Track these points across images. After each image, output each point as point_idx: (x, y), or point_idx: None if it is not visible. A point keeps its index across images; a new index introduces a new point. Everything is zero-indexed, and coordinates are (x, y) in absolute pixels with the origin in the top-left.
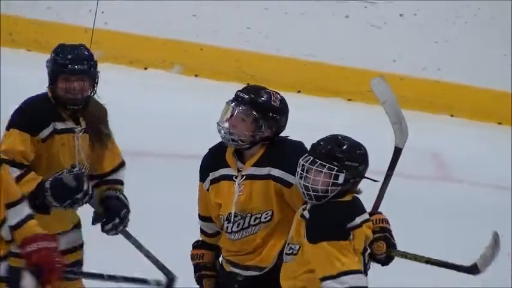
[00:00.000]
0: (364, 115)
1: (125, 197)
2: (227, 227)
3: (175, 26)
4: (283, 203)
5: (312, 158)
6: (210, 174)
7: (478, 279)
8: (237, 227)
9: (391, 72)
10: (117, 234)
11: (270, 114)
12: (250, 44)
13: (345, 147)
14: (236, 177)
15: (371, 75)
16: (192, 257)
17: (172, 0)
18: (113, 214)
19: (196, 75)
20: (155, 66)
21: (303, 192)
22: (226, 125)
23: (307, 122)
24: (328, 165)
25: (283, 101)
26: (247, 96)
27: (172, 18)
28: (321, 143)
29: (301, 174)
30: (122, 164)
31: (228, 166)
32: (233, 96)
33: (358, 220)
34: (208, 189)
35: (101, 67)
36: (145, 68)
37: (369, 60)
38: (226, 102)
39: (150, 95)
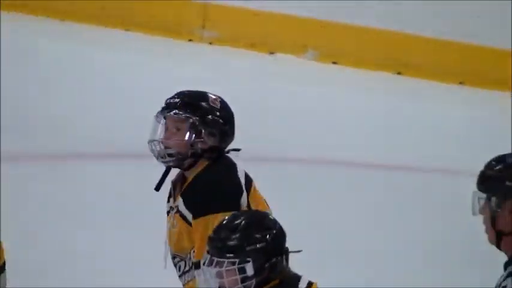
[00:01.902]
0: None
1: None
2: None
3: (306, 2)
4: None
5: (208, 257)
6: (166, 205)
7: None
8: (179, 270)
9: None
10: None
11: (210, 116)
12: (401, 23)
13: (239, 232)
14: (171, 208)
15: None
16: None
17: None
18: None
19: (334, 63)
20: (284, 50)
21: None
22: (159, 138)
23: (478, 122)
24: (225, 260)
25: (224, 102)
26: (178, 99)
27: None
28: (215, 233)
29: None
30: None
31: (171, 196)
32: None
33: None
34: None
35: (216, 51)
36: (271, 53)
37: None
38: (155, 116)
39: (277, 86)
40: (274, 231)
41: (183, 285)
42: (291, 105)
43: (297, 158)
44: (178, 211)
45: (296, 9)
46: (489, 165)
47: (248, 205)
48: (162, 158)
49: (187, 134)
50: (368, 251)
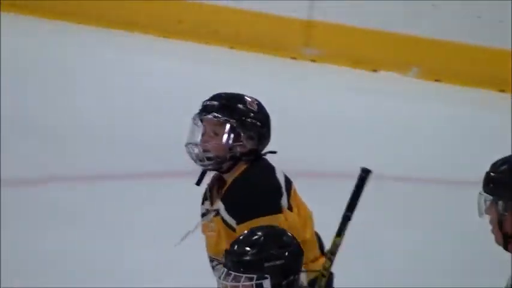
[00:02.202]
0: None
1: None
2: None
3: (410, 19)
4: None
5: (225, 271)
6: (201, 207)
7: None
8: (217, 273)
9: None
10: None
11: (249, 120)
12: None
13: (258, 247)
14: (209, 212)
15: None
16: None
17: None
18: None
19: (437, 80)
20: (387, 68)
21: None
22: (197, 141)
23: None
24: (243, 275)
25: (261, 105)
26: (216, 102)
27: (409, 9)
28: (233, 248)
29: None
30: None
31: (207, 199)
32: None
33: None
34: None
35: (319, 68)
36: (374, 70)
37: None
38: (192, 118)
39: (381, 104)
40: (293, 249)
41: None
42: (394, 122)
43: (407, 176)
44: (218, 215)
45: (399, 27)
46: (495, 167)
47: (289, 207)
48: (200, 161)
49: (226, 137)
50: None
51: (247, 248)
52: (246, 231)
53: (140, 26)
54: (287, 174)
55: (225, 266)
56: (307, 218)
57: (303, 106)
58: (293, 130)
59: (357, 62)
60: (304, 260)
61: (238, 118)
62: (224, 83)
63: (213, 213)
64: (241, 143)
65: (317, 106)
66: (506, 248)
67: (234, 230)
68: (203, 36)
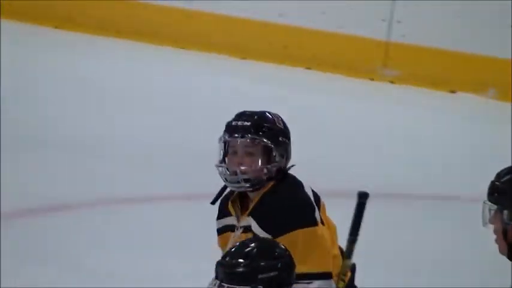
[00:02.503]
0: None
1: None
2: None
3: (487, 40)
4: None
5: (217, 283)
6: (217, 222)
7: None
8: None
9: None
10: None
11: (280, 138)
12: None
13: (251, 258)
14: (236, 228)
15: None
16: None
17: None
18: None
19: None
20: (465, 89)
21: None
22: (234, 163)
23: None
24: (236, 287)
25: (283, 120)
26: (248, 123)
27: (486, 30)
28: (225, 259)
29: None
30: None
31: (230, 214)
32: (227, 128)
33: None
34: (218, 235)
35: (396, 89)
36: (452, 91)
37: None
38: (223, 138)
39: (459, 125)
40: (285, 260)
41: None
42: (471, 143)
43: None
44: (248, 231)
45: (477, 48)
46: (500, 177)
47: (321, 221)
48: (236, 183)
49: (266, 159)
50: None
51: (240, 260)
52: (237, 243)
53: (209, 44)
54: (315, 190)
55: (216, 277)
56: (334, 233)
57: (381, 127)
58: (370, 149)
59: (434, 83)
60: (333, 274)
61: (273, 138)
62: (301, 103)
63: (241, 230)
64: (276, 162)
65: (395, 127)
66: (510, 258)
67: None
68: (280, 57)
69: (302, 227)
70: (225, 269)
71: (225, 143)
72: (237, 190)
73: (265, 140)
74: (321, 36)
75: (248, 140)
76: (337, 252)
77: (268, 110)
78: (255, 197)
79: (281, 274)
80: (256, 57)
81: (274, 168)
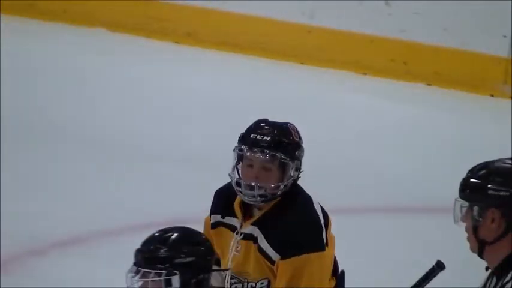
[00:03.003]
0: None
1: None
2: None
3: None
4: None
5: (135, 269)
6: (219, 217)
7: None
8: None
9: None
10: None
11: (297, 152)
12: None
13: (169, 244)
14: (237, 233)
15: None
16: None
17: None
18: None
19: None
20: None
21: None
22: (251, 177)
23: None
24: (152, 271)
25: (299, 133)
26: (269, 137)
27: None
28: (144, 245)
29: None
30: None
31: (235, 216)
32: (241, 138)
33: None
34: (212, 228)
35: None
36: None
37: None
38: (238, 150)
39: None
40: (204, 247)
41: None
42: None
43: None
44: (253, 242)
45: None
46: (471, 173)
47: (326, 242)
48: (252, 197)
49: (280, 175)
50: None
51: (159, 245)
52: (157, 230)
53: (329, 60)
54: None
55: (135, 264)
56: (333, 245)
57: (503, 144)
58: None
59: None
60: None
61: (290, 153)
62: (421, 120)
63: (241, 236)
64: (292, 178)
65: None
66: (481, 255)
67: (272, 262)
68: (400, 73)
69: (311, 252)
70: (144, 254)
71: (241, 153)
72: (250, 203)
73: (283, 157)
74: (442, 52)
75: (267, 157)
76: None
77: (287, 122)
78: (262, 206)
79: (198, 260)
80: (376, 73)
81: (288, 184)
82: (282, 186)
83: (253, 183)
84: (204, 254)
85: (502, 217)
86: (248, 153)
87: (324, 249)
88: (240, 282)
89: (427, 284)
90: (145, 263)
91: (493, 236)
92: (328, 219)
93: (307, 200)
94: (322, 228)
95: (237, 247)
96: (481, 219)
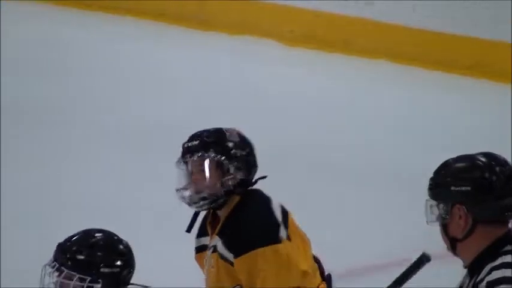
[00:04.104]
0: None
1: None
2: None
3: None
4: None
5: (55, 265)
6: (196, 241)
7: None
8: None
9: None
10: None
11: (233, 151)
12: None
13: (96, 249)
14: (208, 248)
15: None
16: None
17: None
18: None
19: None
20: None
21: None
22: (187, 185)
23: None
24: (76, 275)
25: (242, 134)
26: (196, 141)
27: None
28: (68, 243)
29: None
30: None
31: (207, 234)
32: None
33: None
34: (196, 253)
35: None
36: None
37: None
38: (176, 163)
39: None
40: (129, 259)
41: None
42: None
43: None
44: (216, 251)
45: None
46: (436, 172)
47: (288, 238)
48: (195, 203)
49: (215, 172)
50: None
51: (84, 248)
52: (82, 231)
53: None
54: (283, 205)
55: (55, 259)
56: (307, 249)
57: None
58: None
59: None
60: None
61: (223, 152)
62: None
63: (211, 249)
64: (231, 176)
65: None
66: (455, 253)
67: (232, 264)
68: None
69: (262, 246)
70: (66, 254)
71: (184, 165)
72: (200, 210)
73: (213, 155)
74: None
75: (196, 158)
76: (307, 268)
77: (223, 127)
78: (222, 215)
79: (122, 272)
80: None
81: (230, 181)
82: (218, 184)
83: (177, 188)
84: (128, 266)
85: (468, 212)
86: (181, 161)
87: (278, 242)
88: None
89: (412, 276)
90: (68, 265)
91: (462, 232)
92: (288, 217)
93: (263, 199)
94: (277, 224)
95: (211, 262)
96: (447, 216)
